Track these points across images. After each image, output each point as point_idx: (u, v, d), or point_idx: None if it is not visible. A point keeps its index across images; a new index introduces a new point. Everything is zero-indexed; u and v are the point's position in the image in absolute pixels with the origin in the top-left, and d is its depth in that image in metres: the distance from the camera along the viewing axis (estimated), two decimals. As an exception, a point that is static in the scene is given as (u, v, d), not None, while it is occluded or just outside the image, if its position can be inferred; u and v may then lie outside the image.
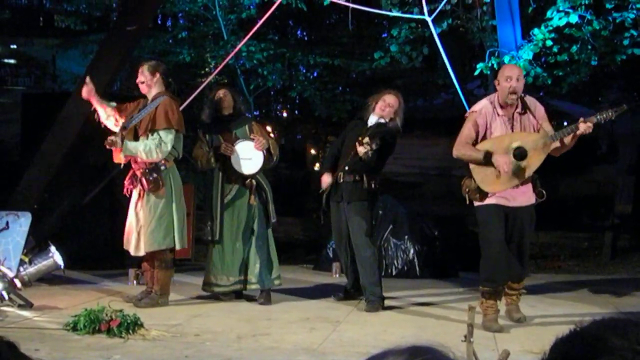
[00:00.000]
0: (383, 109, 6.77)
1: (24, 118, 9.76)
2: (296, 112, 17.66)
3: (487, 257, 5.92)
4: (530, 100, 6.02)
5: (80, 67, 13.52)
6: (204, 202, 7.38)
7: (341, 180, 6.84)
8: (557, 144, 5.82)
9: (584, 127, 5.62)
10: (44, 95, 13.40)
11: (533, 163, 5.75)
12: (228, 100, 7.07)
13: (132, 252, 6.75)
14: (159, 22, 16.19)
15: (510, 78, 5.82)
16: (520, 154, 5.75)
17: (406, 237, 8.90)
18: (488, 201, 5.88)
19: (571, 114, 19.87)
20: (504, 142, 5.79)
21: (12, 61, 19.55)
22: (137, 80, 6.75)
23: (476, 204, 5.95)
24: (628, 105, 6.16)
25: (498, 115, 5.88)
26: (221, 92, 7.15)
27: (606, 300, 7.43)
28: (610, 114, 5.66)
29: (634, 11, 9.10)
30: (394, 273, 8.70)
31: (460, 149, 5.90)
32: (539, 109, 5.97)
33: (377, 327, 6.04)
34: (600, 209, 13.25)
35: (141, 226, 6.61)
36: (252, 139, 6.91)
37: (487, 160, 5.74)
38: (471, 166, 5.88)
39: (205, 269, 7.16)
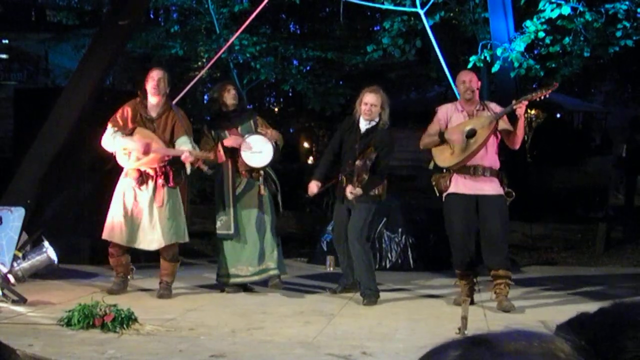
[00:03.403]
0: (367, 113, 6.81)
1: (17, 113, 9.70)
2: (289, 105, 17.65)
3: (452, 245, 6.57)
4: (491, 103, 6.70)
5: (73, 62, 13.47)
6: (197, 197, 7.40)
7: (345, 184, 6.83)
8: (505, 125, 6.42)
9: (517, 104, 6.23)
10: (37, 91, 13.34)
11: (480, 137, 6.35)
12: (233, 96, 7.09)
13: (144, 247, 6.85)
14: (151, 15, 16.16)
15: (464, 82, 6.56)
16: (471, 133, 6.38)
17: (400, 229, 8.91)
18: (454, 190, 6.44)
19: (564, 106, 19.93)
20: (459, 127, 6.47)
21: (4, 56, 19.48)
22: (158, 86, 6.75)
23: (444, 195, 6.52)
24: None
25: (459, 111, 6.57)
26: (225, 88, 7.16)
27: (600, 292, 7.45)
28: (543, 91, 6.37)
29: (627, 3, 9.11)
30: (387, 266, 8.70)
31: (423, 139, 6.65)
32: (498, 108, 6.54)
33: (372, 320, 6.05)
34: (593, 201, 13.26)
35: (158, 220, 6.72)
36: (262, 133, 7.00)
37: (441, 138, 6.47)
38: (433, 152, 6.58)
39: (218, 262, 7.19)
